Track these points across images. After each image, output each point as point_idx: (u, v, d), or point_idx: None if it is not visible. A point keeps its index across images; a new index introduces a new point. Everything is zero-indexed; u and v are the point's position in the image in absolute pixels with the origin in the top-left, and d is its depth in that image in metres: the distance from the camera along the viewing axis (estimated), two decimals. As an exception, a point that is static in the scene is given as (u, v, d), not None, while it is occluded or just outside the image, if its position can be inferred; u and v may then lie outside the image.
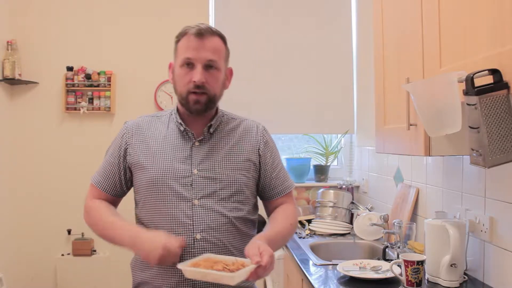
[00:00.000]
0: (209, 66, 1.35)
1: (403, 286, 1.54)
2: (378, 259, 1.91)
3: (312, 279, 1.69)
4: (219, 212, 1.34)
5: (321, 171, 3.08)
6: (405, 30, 1.57)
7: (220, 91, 1.41)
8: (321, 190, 2.72)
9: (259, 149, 1.46)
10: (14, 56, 2.90)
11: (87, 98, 3.02)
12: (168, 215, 1.33)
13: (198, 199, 1.34)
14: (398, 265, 1.59)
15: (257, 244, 1.21)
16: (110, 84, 3.02)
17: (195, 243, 1.31)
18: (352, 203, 2.70)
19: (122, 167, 1.42)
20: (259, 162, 1.45)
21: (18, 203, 2.99)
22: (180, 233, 1.32)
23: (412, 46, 1.50)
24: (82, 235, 2.96)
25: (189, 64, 1.35)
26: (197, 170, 1.36)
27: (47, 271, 2.98)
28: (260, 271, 1.15)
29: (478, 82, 0.99)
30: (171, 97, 3.05)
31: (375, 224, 2.18)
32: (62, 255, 2.95)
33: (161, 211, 1.34)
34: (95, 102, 3.02)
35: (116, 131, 1.50)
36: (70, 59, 3.02)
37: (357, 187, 2.99)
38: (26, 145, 3.02)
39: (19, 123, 3.01)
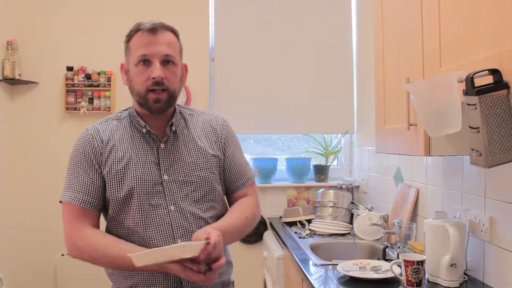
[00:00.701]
0: (166, 62, 1.32)
1: (403, 286, 1.54)
2: (378, 259, 1.91)
3: (312, 279, 1.69)
4: (195, 215, 1.34)
5: (321, 171, 3.08)
6: (405, 30, 1.57)
7: (179, 87, 1.38)
8: (321, 190, 2.72)
9: (220, 142, 1.45)
10: (14, 56, 2.90)
11: (87, 98, 3.02)
12: (148, 225, 1.30)
13: (174, 204, 1.33)
14: (398, 265, 1.59)
15: (204, 229, 1.24)
16: (110, 84, 3.01)
17: None
18: (352, 203, 2.70)
19: (101, 174, 1.32)
20: (223, 156, 1.44)
21: (18, 203, 2.98)
22: (161, 242, 1.30)
23: (412, 46, 1.49)
24: (82, 235, 2.95)
25: (145, 62, 1.30)
26: (167, 175, 1.34)
27: (47, 271, 2.98)
28: (210, 248, 1.15)
29: (478, 82, 0.99)
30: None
31: (375, 224, 2.18)
32: (62, 255, 2.95)
33: (139, 222, 1.30)
34: (95, 102, 3.02)
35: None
36: (70, 59, 3.02)
37: (357, 187, 2.99)
38: (26, 145, 3.01)
39: (19, 123, 3.01)
